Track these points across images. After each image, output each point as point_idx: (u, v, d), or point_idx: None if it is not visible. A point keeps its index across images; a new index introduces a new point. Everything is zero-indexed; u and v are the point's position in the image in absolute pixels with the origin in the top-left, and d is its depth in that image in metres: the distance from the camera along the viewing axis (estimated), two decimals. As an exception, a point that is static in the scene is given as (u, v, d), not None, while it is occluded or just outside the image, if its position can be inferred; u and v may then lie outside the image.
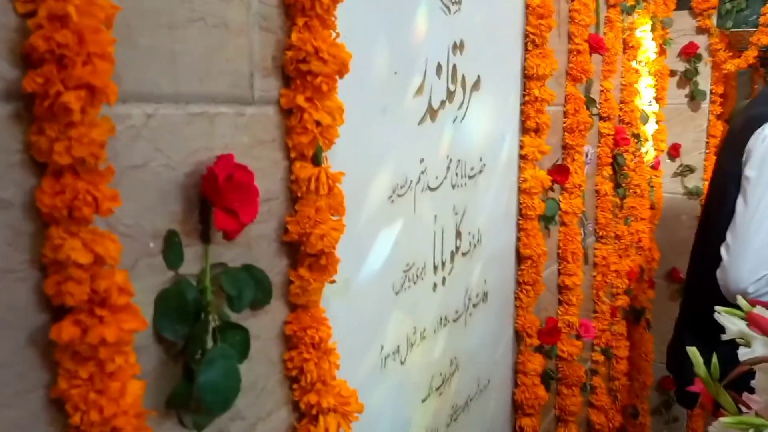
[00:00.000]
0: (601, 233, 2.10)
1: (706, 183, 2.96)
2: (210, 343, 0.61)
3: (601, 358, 2.17)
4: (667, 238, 2.98)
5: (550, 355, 1.70)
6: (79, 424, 0.50)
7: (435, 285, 1.13)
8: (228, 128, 0.68)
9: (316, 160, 0.74)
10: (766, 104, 1.55)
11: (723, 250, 1.41)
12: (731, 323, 0.99)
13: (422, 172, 1.04)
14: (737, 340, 1.01)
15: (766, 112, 1.47)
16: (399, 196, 0.98)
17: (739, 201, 1.43)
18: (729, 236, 1.41)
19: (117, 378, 0.52)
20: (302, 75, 0.72)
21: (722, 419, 0.80)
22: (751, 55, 2.70)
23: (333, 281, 0.78)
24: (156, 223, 0.59)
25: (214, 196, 0.60)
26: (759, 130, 1.44)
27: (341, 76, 0.75)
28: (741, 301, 1.03)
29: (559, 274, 1.78)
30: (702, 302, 1.44)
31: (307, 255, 0.75)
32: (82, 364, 0.50)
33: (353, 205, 0.86)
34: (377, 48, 0.90)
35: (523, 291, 1.49)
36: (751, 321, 0.91)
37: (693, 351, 0.94)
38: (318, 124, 0.74)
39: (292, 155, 0.74)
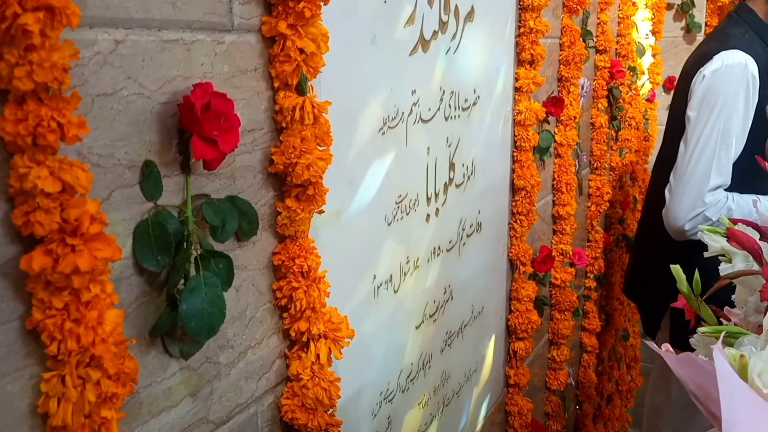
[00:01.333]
0: (595, 164, 2.05)
1: (701, 115, 2.87)
2: (193, 273, 0.58)
3: (593, 284, 2.15)
4: (661, 170, 2.92)
5: (544, 282, 1.68)
6: (56, 353, 0.48)
7: (428, 216, 1.09)
8: (206, 57, 0.63)
9: (301, 89, 0.70)
10: (714, 39, 1.45)
11: (666, 191, 1.39)
12: (713, 240, 0.96)
13: (414, 104, 0.98)
14: (719, 257, 0.98)
15: (713, 47, 1.38)
16: (390, 128, 0.93)
17: (681, 142, 1.38)
18: (671, 177, 1.39)
19: (93, 307, 0.49)
20: (284, 0, 0.67)
21: (701, 329, 0.78)
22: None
23: (321, 211, 0.74)
24: (131, 153, 0.55)
25: (192, 126, 0.56)
26: (701, 69, 1.37)
27: (326, 2, 0.70)
28: (723, 219, 1.00)
29: (554, 204, 1.74)
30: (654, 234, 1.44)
31: (293, 185, 0.71)
32: (56, 294, 0.47)
33: (342, 136, 0.81)
34: (364, -27, 0.84)
35: (517, 221, 1.45)
36: (732, 236, 0.87)
37: (676, 269, 0.91)
38: (302, 51, 0.68)
39: (276, 84, 0.69)
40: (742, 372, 0.66)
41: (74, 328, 0.48)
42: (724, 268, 0.99)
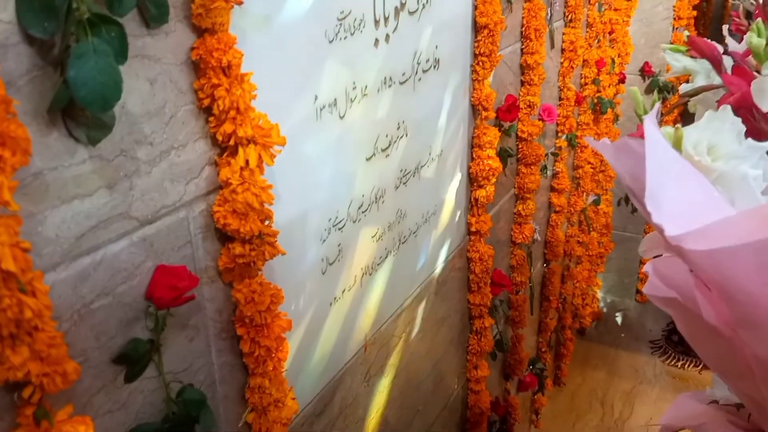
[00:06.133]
0: (570, 16, 1.96)
1: (686, -30, 2.74)
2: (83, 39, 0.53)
3: (564, 144, 2.13)
4: (642, 32, 2.83)
5: (509, 133, 1.65)
6: None
7: (377, 40, 1.04)
8: None
9: None
10: None
11: None
12: (676, 60, 0.93)
13: None
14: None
15: None
16: (326, -71, 0.86)
17: None
18: None
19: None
20: None
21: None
22: None
23: (240, 2, 0.69)
24: None
25: None
26: None
27: None
28: (685, 32, 0.96)
29: (522, 53, 1.68)
30: None
31: (205, -32, 0.65)
32: None
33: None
34: None
35: (479, 63, 1.40)
36: (693, 45, 0.84)
37: (634, 91, 0.88)
38: None
39: None
40: (677, 145, 0.64)
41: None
42: (684, 87, 0.96)
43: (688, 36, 0.87)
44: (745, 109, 0.78)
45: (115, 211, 0.65)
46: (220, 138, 0.73)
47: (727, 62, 0.91)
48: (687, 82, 0.95)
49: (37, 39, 0.53)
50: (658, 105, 0.63)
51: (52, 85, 0.56)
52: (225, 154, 0.75)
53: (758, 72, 0.80)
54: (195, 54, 0.68)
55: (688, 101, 0.96)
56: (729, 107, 0.66)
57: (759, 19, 0.76)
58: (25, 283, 0.53)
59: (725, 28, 1.12)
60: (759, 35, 0.71)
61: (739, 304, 0.54)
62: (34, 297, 0.53)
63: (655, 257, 0.70)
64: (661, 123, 0.94)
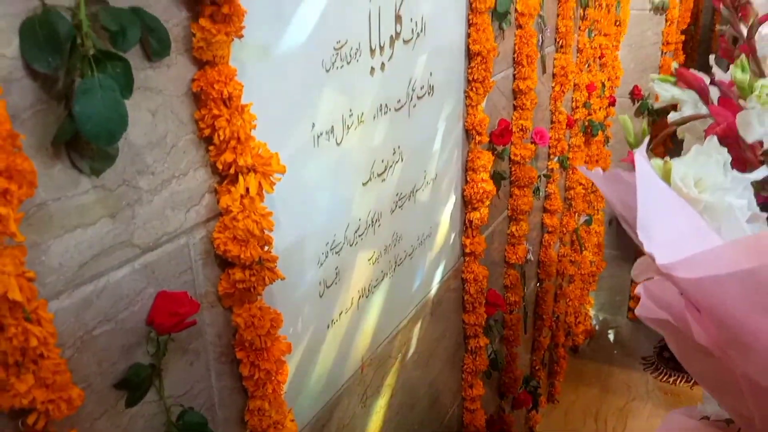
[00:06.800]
0: (561, 42, 1.99)
1: (673, -4, 2.78)
2: (88, 75, 0.54)
3: (556, 166, 2.15)
4: (631, 56, 2.86)
5: (503, 156, 1.67)
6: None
7: (372, 69, 1.05)
8: None
9: None
10: None
11: None
12: (664, 90, 0.94)
13: (350, -59, 0.92)
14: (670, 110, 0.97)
15: None
16: (323, -37, 0.88)
17: None
18: None
19: (-30, 95, 0.46)
20: None
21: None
22: None
23: (240, 36, 0.70)
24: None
25: None
26: None
27: None
28: (674, 63, 0.98)
29: (514, 78, 1.70)
30: None
31: (206, 3, 0.66)
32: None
33: (265, -38, 0.76)
34: None
35: (473, 89, 1.41)
36: (680, 77, 0.85)
37: (624, 119, 0.90)
38: None
39: None
40: (666, 177, 0.65)
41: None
42: (672, 116, 0.98)
43: (676, 69, 0.89)
44: (731, 138, 0.80)
45: (118, 240, 0.65)
46: (220, 167, 0.73)
47: (714, 92, 0.92)
48: (675, 109, 0.96)
49: (41, 73, 0.54)
50: (647, 137, 0.64)
51: (55, 118, 0.56)
52: (225, 182, 0.76)
53: (743, 98, 0.82)
54: (196, 86, 0.69)
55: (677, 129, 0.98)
56: (715, 139, 0.67)
57: (743, 55, 0.78)
58: (30, 312, 0.53)
59: (712, 58, 1.14)
60: (743, 71, 0.72)
61: (728, 327, 0.55)
62: (39, 325, 0.54)
63: (646, 280, 0.71)
64: (651, 150, 0.95)
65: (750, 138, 0.75)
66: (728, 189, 0.58)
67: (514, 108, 1.73)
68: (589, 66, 2.34)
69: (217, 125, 0.70)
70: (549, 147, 2.10)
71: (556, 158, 2.14)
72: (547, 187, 2.14)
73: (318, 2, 0.88)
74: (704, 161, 0.57)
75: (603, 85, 2.51)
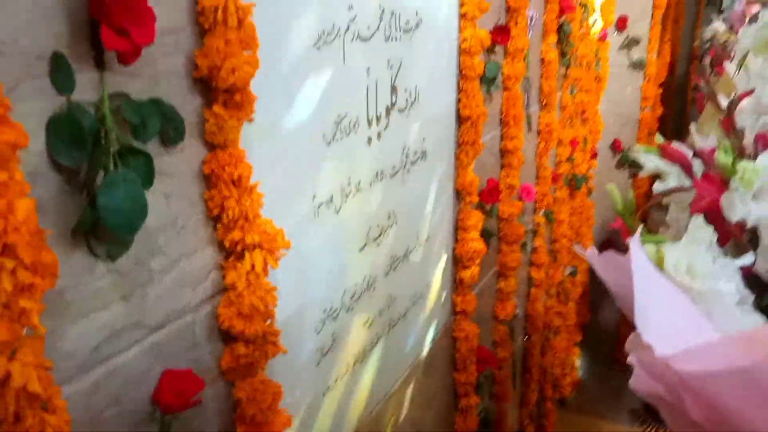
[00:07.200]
0: (545, 101, 2.06)
1: (651, 54, 2.90)
2: (111, 169, 0.57)
3: (542, 220, 2.19)
4: (611, 111, 2.96)
5: (491, 214, 1.70)
6: (-35, 240, 0.47)
7: (370, 139, 1.09)
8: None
9: (224, -8, 0.68)
10: None
11: None
12: (648, 160, 0.99)
13: (351, 20, 0.97)
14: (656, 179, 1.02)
15: None
16: (326, 43, 0.92)
17: None
18: None
19: (3, 195, 0.48)
20: None
21: (642, 237, 0.80)
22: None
23: (250, 120, 0.73)
24: (39, 43, 0.53)
25: (101, 15, 0.54)
26: None
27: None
28: (658, 136, 1.03)
29: (502, 139, 1.75)
30: None
31: (220, 91, 0.69)
32: (-39, 181, 0.46)
33: (273, 45, 0.80)
34: None
35: (463, 151, 1.46)
36: (664, 152, 0.90)
37: (611, 188, 0.94)
38: (225, -48, 0.66)
39: (198, -15, 0.67)
40: (660, 264, 0.69)
41: (-17, 215, 0.47)
42: (657, 187, 1.02)
43: (659, 145, 0.93)
44: (715, 212, 0.84)
45: (129, 321, 0.66)
46: (227, 244, 0.75)
47: (697, 165, 0.97)
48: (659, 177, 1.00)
49: (65, 166, 0.56)
50: (640, 228, 0.68)
51: (75, 207, 0.58)
52: (231, 258, 0.77)
53: (727, 174, 0.86)
54: (207, 168, 0.72)
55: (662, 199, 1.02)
56: (701, 219, 0.71)
57: (725, 140, 0.82)
58: (46, 401, 0.54)
59: (692, 126, 1.19)
60: (726, 154, 0.77)
61: (722, 412, 0.57)
62: (54, 414, 0.54)
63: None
64: (640, 215, 0.99)
65: (734, 218, 0.79)
66: (718, 277, 0.61)
67: (502, 167, 1.78)
68: (571, 121, 2.41)
69: (227, 205, 0.73)
70: (535, 202, 2.15)
71: (542, 212, 2.19)
72: (533, 240, 2.18)
73: (321, 80, 0.92)
74: (694, 250, 0.61)
75: (585, 139, 2.59)
